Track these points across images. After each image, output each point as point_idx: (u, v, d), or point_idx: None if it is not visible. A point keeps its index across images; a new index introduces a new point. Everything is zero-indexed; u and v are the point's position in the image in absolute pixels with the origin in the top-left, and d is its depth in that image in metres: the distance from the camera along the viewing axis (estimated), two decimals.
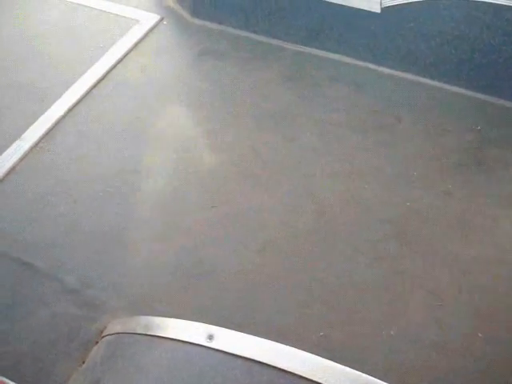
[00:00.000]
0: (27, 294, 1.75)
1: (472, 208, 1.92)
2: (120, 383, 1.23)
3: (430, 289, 1.72)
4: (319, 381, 1.11)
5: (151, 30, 2.69)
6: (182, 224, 1.93)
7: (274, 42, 2.58)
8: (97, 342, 1.57)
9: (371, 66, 2.42)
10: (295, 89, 2.37)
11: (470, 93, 2.27)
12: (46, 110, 2.30)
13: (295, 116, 2.26)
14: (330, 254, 1.82)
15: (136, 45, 2.60)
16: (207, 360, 1.18)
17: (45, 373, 1.58)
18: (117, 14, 2.77)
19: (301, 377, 1.12)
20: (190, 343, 1.20)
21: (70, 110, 2.31)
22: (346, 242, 1.85)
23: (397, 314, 1.67)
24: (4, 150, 2.14)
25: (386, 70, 2.40)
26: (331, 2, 2.32)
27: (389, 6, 2.21)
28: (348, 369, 1.14)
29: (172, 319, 1.33)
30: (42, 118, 2.26)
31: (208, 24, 2.70)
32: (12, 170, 2.09)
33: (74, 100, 2.33)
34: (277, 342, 1.19)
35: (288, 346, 1.17)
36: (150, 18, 2.74)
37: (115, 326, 1.49)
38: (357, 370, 1.14)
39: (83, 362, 1.54)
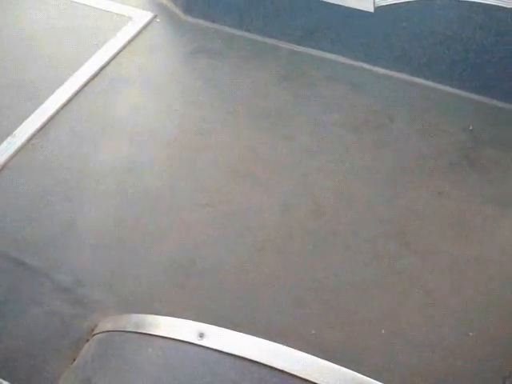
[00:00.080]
0: (19, 292, 1.75)
1: (466, 208, 1.93)
2: (111, 381, 1.23)
3: (426, 288, 1.72)
4: (312, 380, 1.11)
5: (144, 27, 2.68)
6: (177, 223, 1.92)
7: (269, 41, 2.58)
8: (87, 340, 1.56)
9: (366, 65, 2.42)
10: (291, 88, 2.37)
11: (463, 93, 2.28)
12: (38, 106, 2.29)
13: (291, 115, 2.26)
14: (327, 254, 1.82)
15: (129, 42, 2.59)
16: (198, 358, 1.18)
17: (36, 370, 1.57)
18: (110, 12, 2.77)
19: (293, 375, 1.12)
20: (181, 341, 1.20)
21: (63, 107, 2.30)
22: (344, 242, 1.85)
23: (395, 313, 1.68)
24: None
25: (381, 70, 2.40)
26: (326, 2, 2.32)
27: (382, 6, 2.21)
28: (342, 368, 1.14)
29: (163, 317, 1.32)
30: (34, 115, 2.25)
31: (202, 22, 2.69)
32: (4, 167, 2.08)
33: (66, 97, 2.32)
34: (275, 341, 1.18)
35: (280, 345, 1.17)
36: (143, 16, 2.74)
37: (106, 324, 1.49)
38: (352, 369, 1.14)
39: (74, 360, 1.54)
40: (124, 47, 2.57)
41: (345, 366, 1.15)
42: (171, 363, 1.20)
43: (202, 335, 1.20)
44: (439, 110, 2.26)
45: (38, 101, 2.31)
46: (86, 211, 1.95)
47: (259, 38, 2.59)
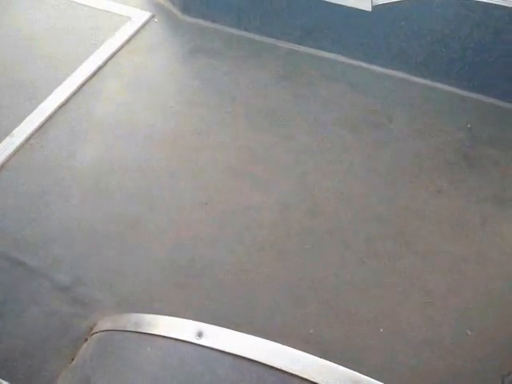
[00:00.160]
0: (19, 292, 1.75)
1: (465, 207, 1.93)
2: (109, 380, 1.23)
3: (425, 287, 1.73)
4: (311, 379, 1.11)
5: (142, 26, 2.68)
6: (177, 222, 1.92)
7: (268, 40, 2.58)
8: (86, 340, 1.56)
9: (364, 64, 2.43)
10: (290, 88, 2.37)
11: (461, 91, 2.28)
12: (36, 106, 2.29)
13: (290, 115, 2.26)
14: (327, 253, 1.82)
15: (127, 42, 2.60)
16: (197, 357, 1.18)
17: (35, 369, 1.58)
18: (108, 11, 2.77)
19: (292, 375, 1.12)
20: (180, 340, 1.20)
21: (61, 106, 2.30)
22: (343, 241, 1.85)
23: (394, 312, 1.68)
24: None
25: (379, 69, 2.41)
26: (325, 1, 2.32)
27: (379, 5, 2.21)
28: (341, 367, 1.14)
29: (162, 316, 1.32)
30: (32, 115, 2.25)
31: (200, 22, 2.69)
32: (3, 167, 2.08)
33: (65, 97, 2.33)
34: (274, 340, 1.18)
35: (279, 344, 1.17)
36: (141, 15, 2.74)
37: (105, 324, 1.49)
38: (351, 369, 1.14)
39: (73, 359, 1.54)
40: (122, 47, 2.57)
41: (344, 366, 1.15)
42: (170, 362, 1.20)
43: (200, 334, 1.20)
44: (437, 109, 2.26)
45: (36, 100, 2.31)
46: (84, 211, 1.95)
47: (258, 37, 2.59)
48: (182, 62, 2.56)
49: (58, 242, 1.86)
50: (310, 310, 1.69)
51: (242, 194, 1.99)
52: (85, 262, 1.81)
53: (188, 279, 1.77)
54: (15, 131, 2.19)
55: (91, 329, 1.59)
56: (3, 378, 1.53)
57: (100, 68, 2.47)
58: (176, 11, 2.75)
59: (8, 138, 2.16)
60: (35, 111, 2.27)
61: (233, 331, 1.20)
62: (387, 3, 2.19)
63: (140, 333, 1.28)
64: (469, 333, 1.61)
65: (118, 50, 2.56)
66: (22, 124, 2.22)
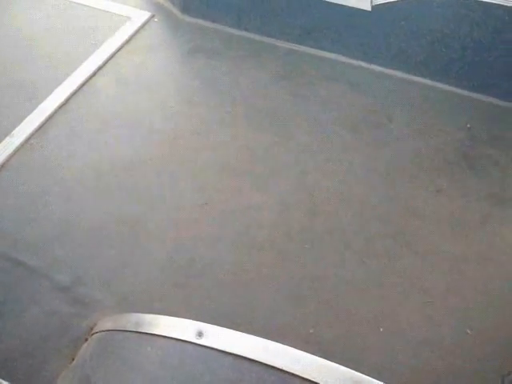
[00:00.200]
0: (19, 292, 1.75)
1: (465, 206, 1.93)
2: (110, 380, 1.23)
3: (425, 287, 1.73)
4: (311, 378, 1.11)
5: (142, 26, 2.68)
6: (176, 222, 1.92)
7: (267, 40, 2.58)
8: (86, 339, 1.56)
9: (364, 64, 2.43)
10: (289, 87, 2.37)
11: (460, 91, 2.28)
12: (36, 106, 2.29)
13: (290, 115, 2.26)
14: (326, 253, 1.82)
15: (127, 42, 2.60)
16: (197, 357, 1.18)
17: (35, 369, 1.58)
18: (108, 11, 2.77)
19: (292, 374, 1.12)
20: (180, 340, 1.20)
21: (61, 106, 2.30)
22: (343, 241, 1.85)
23: (394, 312, 1.68)
24: None
25: (379, 68, 2.41)
26: (324, 1, 2.32)
27: (379, 4, 2.22)
28: (341, 367, 1.15)
29: (162, 316, 1.32)
30: (32, 115, 2.26)
31: (199, 21, 2.70)
32: (2, 167, 2.08)
33: (65, 97, 2.33)
34: (274, 340, 1.19)
35: (279, 344, 1.18)
36: (141, 15, 2.74)
37: (106, 323, 1.49)
38: (351, 368, 1.15)
39: (73, 359, 1.54)
40: (122, 47, 2.57)
41: (343, 365, 1.15)
42: (170, 362, 1.20)
43: (200, 334, 1.20)
44: (437, 108, 2.26)
45: (36, 100, 2.31)
46: (84, 211, 1.95)
47: (257, 37, 2.59)
48: (181, 62, 2.56)
49: (57, 242, 1.86)
50: (310, 310, 1.69)
51: (242, 194, 1.99)
52: (85, 262, 1.81)
53: (188, 279, 1.77)
54: (15, 131, 2.19)
55: (91, 329, 1.59)
56: (3, 378, 1.53)
57: (100, 68, 2.47)
58: (176, 11, 2.75)
59: (8, 138, 2.16)
60: (35, 111, 2.27)
61: (233, 331, 1.20)
62: (387, 3, 2.19)
63: (140, 333, 1.28)
64: (469, 332, 1.62)
65: (118, 49, 2.56)
66: (22, 124, 2.22)
